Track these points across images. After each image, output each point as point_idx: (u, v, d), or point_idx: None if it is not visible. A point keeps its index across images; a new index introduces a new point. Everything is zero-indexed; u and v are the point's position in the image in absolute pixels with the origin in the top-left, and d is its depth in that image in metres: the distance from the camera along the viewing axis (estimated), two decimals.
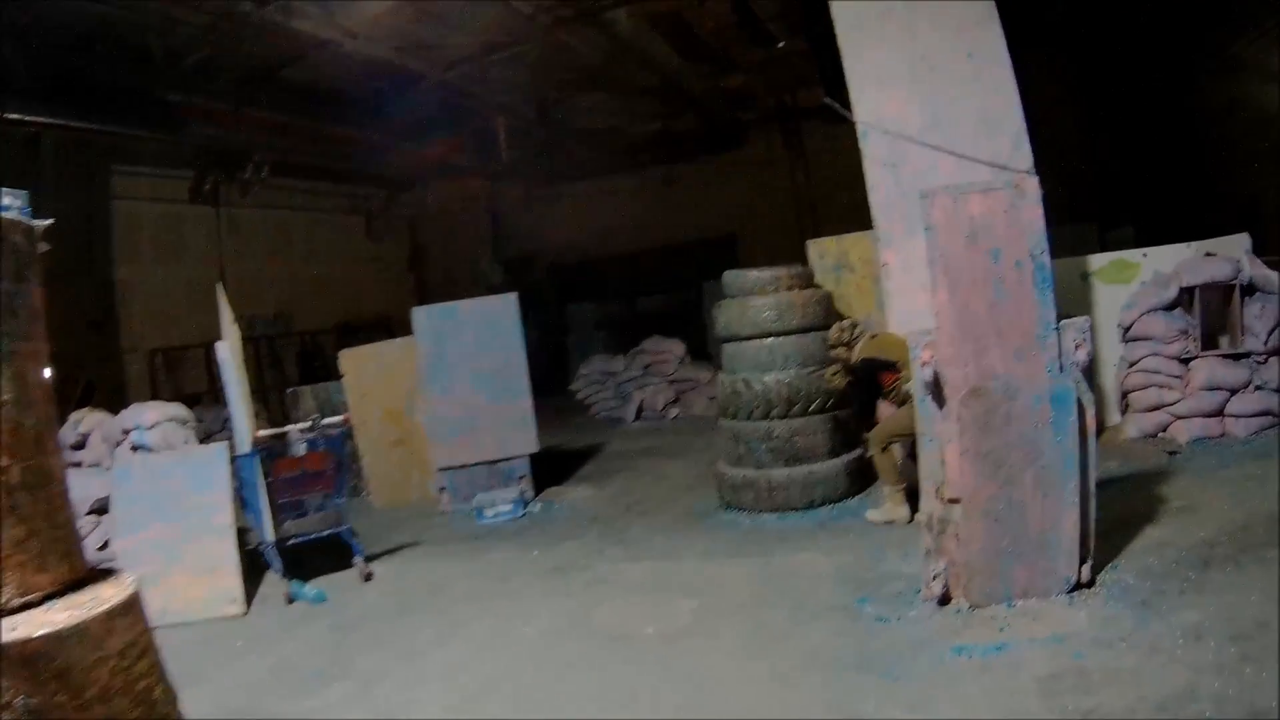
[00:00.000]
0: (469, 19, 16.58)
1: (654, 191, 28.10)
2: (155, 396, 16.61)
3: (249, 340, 18.59)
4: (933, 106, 9.75)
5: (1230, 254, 11.35)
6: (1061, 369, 6.62)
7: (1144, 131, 26.80)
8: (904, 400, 8.99)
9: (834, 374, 9.84)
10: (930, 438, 6.88)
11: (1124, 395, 11.53)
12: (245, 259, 22.43)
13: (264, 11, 14.17)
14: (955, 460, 6.68)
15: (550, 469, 13.53)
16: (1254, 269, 11.10)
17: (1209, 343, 11.19)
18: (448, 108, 21.42)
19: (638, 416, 19.09)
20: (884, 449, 9.33)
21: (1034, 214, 6.57)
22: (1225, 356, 10.93)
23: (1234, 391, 10.81)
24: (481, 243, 29.95)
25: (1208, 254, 11.52)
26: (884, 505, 9.38)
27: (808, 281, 10.95)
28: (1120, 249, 21.32)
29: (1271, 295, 11.02)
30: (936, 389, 6.75)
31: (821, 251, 12.17)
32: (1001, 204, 6.58)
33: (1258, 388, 10.80)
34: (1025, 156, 9.72)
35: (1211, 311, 11.25)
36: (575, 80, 21.66)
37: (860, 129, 9.81)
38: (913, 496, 8.69)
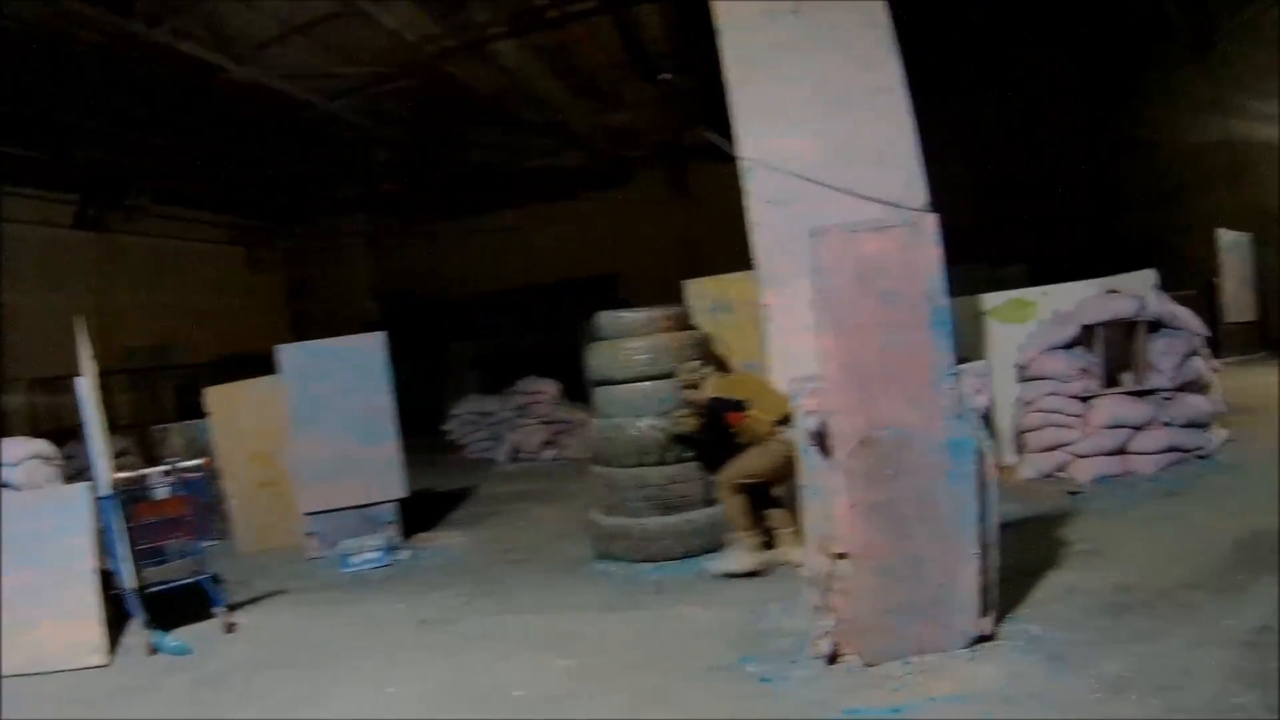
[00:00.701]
0: (358, 49, 16.44)
1: (537, 228, 28.10)
2: (36, 428, 15.96)
3: (128, 373, 18.08)
4: (824, 142, 9.46)
5: (1135, 290, 11.19)
6: (959, 416, 6.28)
7: (1040, 171, 27.03)
8: (753, 441, 8.77)
9: (683, 417, 9.50)
10: (815, 490, 6.50)
11: (1020, 435, 11.28)
12: (127, 287, 22.07)
13: (154, 33, 13.92)
14: (844, 513, 6.30)
15: (421, 513, 13.16)
16: (1159, 305, 11.00)
17: (1112, 380, 11.03)
18: (333, 139, 21.39)
19: (513, 458, 18.77)
20: (735, 493, 8.99)
21: (930, 254, 6.23)
22: (1129, 394, 10.77)
23: (1139, 429, 10.65)
24: (362, 277, 29.71)
25: (1110, 291, 11.31)
26: (730, 554, 9.06)
27: (684, 323, 10.54)
28: (1014, 287, 21.54)
29: (1178, 331, 10.89)
30: (822, 439, 6.39)
31: (700, 292, 11.67)
32: (895, 244, 6.25)
33: (1165, 424, 10.65)
34: (920, 194, 9.46)
35: (1115, 349, 11.10)
36: (462, 114, 21.50)
37: (745, 165, 9.48)
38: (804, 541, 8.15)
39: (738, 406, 8.94)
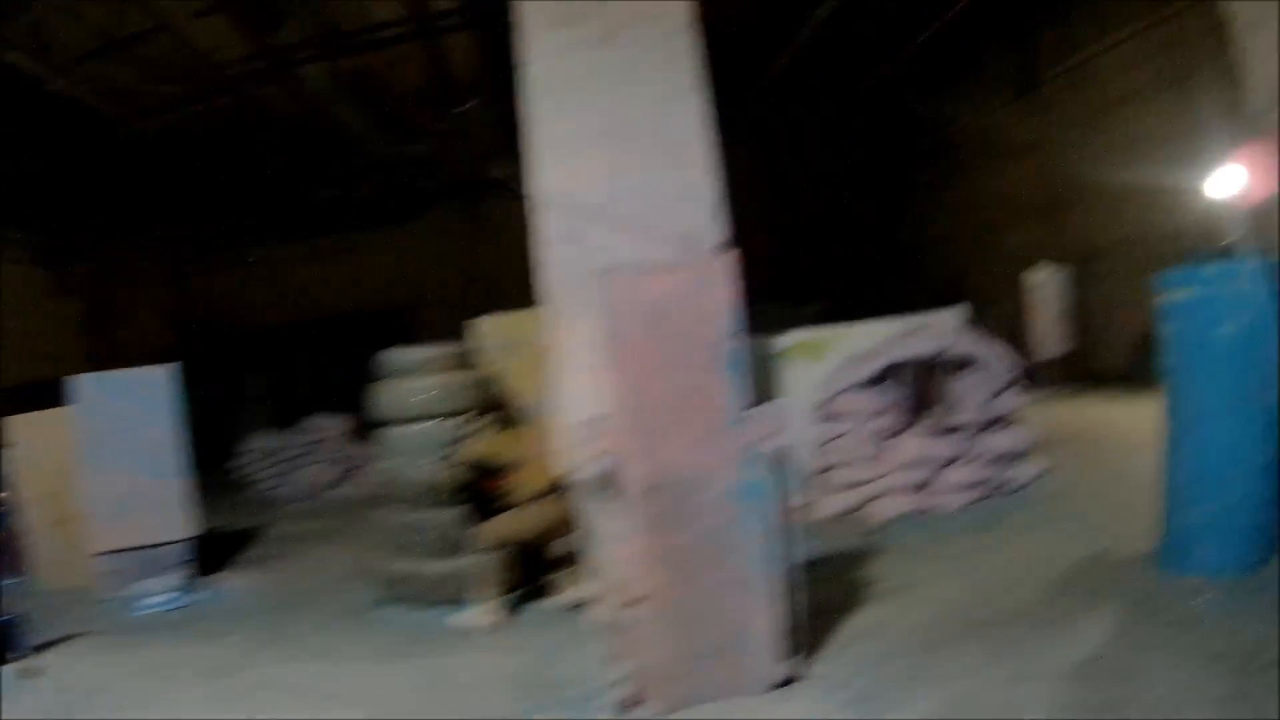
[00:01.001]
0: (169, 67, 16.08)
1: (334, 259, 27.82)
2: None
3: None
4: (622, 179, 9.20)
5: (943, 328, 11.25)
6: (753, 459, 6.18)
7: (847, 211, 27.49)
8: (518, 503, 8.66)
9: (450, 466, 9.29)
10: (605, 536, 6.38)
11: (821, 473, 11.23)
12: None
13: None
14: (635, 559, 6.16)
15: (213, 553, 12.68)
16: (966, 342, 11.08)
17: (917, 417, 11.06)
18: (142, 159, 20.93)
19: (302, 497, 18.34)
20: (492, 549, 8.84)
21: (721, 295, 6.14)
22: (934, 431, 10.81)
23: (943, 465, 10.69)
24: (165, 303, 28.81)
25: (914, 329, 11.36)
26: (473, 609, 8.82)
27: (468, 362, 10.30)
28: (815, 324, 21.75)
29: (986, 368, 10.95)
30: (610, 483, 6.23)
31: (488, 330, 11.37)
32: (685, 285, 6.16)
33: (971, 460, 10.72)
34: (719, 233, 9.34)
35: (920, 386, 11.14)
36: (268, 139, 21.17)
37: (539, 199, 9.30)
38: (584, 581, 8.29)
39: (497, 474, 8.83)
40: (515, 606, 8.90)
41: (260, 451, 19.67)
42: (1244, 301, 7.07)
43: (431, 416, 9.77)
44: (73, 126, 18.47)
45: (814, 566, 8.15)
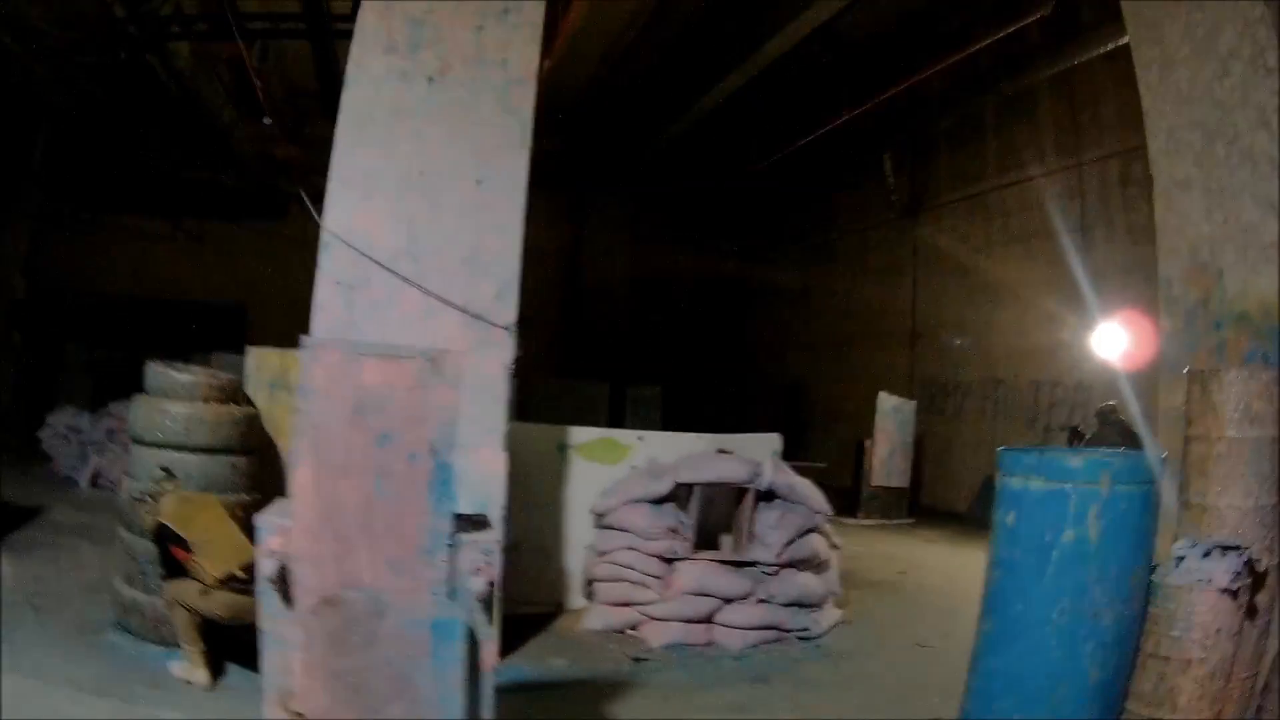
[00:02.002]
0: (72, 14, 15.28)
1: (185, 244, 26.92)
2: None
3: None
4: (415, 230, 8.44)
5: (752, 453, 10.43)
6: (452, 594, 5.23)
7: (701, 302, 27.17)
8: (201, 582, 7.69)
9: (146, 512, 8.30)
10: (275, 639, 5.37)
11: (590, 584, 10.40)
12: None
13: None
14: (303, 674, 5.24)
15: None
16: (777, 474, 10.22)
17: (709, 544, 10.27)
18: (26, 105, 20.25)
19: (93, 483, 16.97)
20: (179, 608, 7.88)
21: (447, 397, 5.15)
22: (724, 563, 9.95)
23: (729, 601, 9.81)
24: (16, 251, 27.08)
25: (721, 451, 10.55)
26: (185, 662, 7.92)
27: (232, 395, 9.33)
28: (641, 407, 21.04)
29: (795, 505, 10.12)
30: (284, 585, 5.26)
31: (260, 363, 10.34)
32: (407, 378, 5.16)
33: (761, 600, 9.85)
34: (509, 310, 8.51)
35: (716, 513, 10.36)
36: (147, 109, 20.38)
37: (324, 237, 8.38)
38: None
39: (183, 543, 7.81)
40: (223, 667, 8.00)
41: (64, 428, 18.26)
42: (1102, 506, 6.13)
43: (182, 448, 8.88)
44: None
45: (552, 689, 8.05)
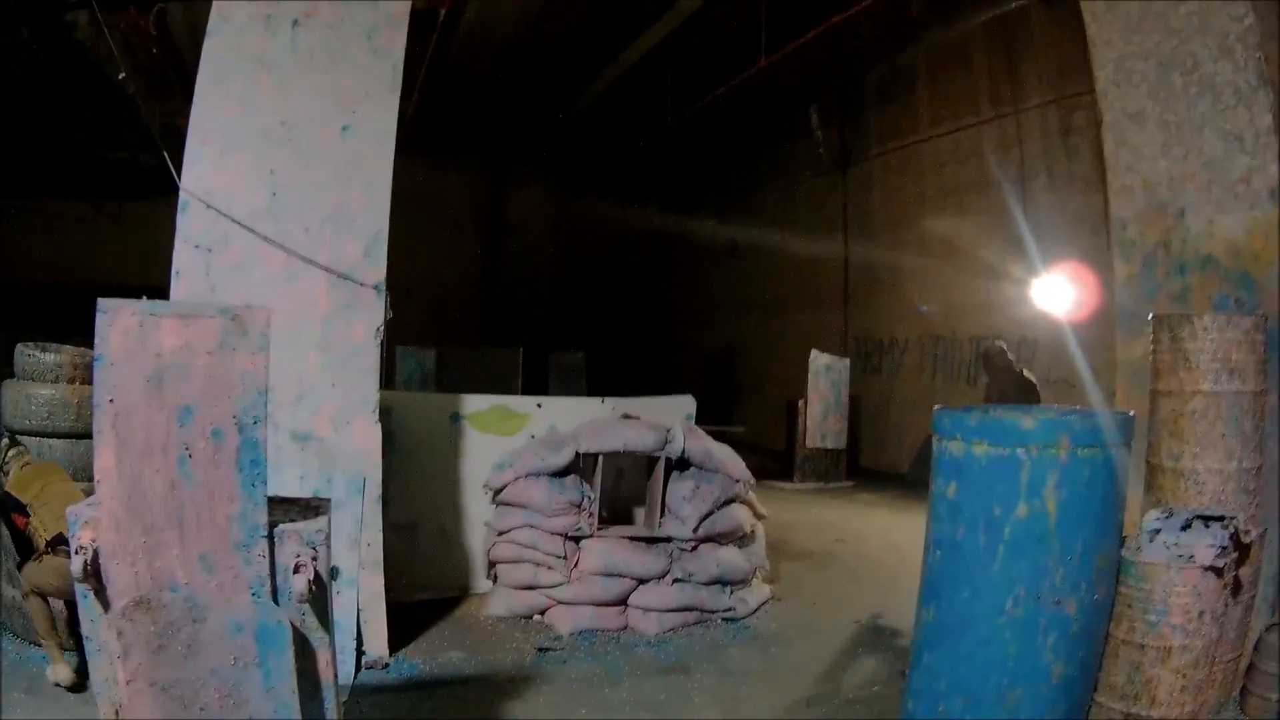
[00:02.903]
0: None
1: (106, 226, 26.07)
2: None
3: None
4: (277, 186, 7.84)
5: (664, 418, 9.70)
6: (273, 594, 4.48)
7: (621, 263, 26.72)
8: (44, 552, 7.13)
9: None
10: (98, 645, 4.60)
11: (492, 565, 9.66)
12: None
13: None
14: (126, 685, 4.48)
15: None
16: (690, 441, 9.46)
17: (621, 520, 9.68)
18: None
19: None
20: (34, 596, 7.33)
21: (252, 363, 4.39)
22: (634, 539, 9.21)
23: (643, 581, 9.06)
24: None
25: (626, 415, 9.81)
26: (52, 664, 7.32)
27: None
28: (566, 373, 20.37)
29: (711, 474, 9.38)
30: (98, 584, 4.48)
31: None
32: (207, 340, 4.38)
33: (678, 580, 9.10)
34: (377, 269, 7.96)
35: (628, 485, 9.77)
36: (52, 88, 19.66)
37: (182, 199, 7.70)
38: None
39: (23, 510, 7.30)
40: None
41: None
42: (1061, 475, 5.18)
43: (47, 434, 8.48)
44: None
45: (438, 686, 7.46)
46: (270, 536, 4.49)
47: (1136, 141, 7.68)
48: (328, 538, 4.67)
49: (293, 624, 4.53)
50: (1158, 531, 5.61)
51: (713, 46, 18.35)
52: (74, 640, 7.36)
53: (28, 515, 7.21)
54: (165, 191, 21.19)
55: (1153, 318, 6.55)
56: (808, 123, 21.95)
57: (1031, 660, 5.31)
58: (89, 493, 7.04)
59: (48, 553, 7.04)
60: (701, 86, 19.59)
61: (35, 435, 8.32)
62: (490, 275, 27.79)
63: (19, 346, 8.80)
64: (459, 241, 26.86)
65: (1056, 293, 14.07)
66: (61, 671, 7.17)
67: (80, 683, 7.10)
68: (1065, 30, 10.50)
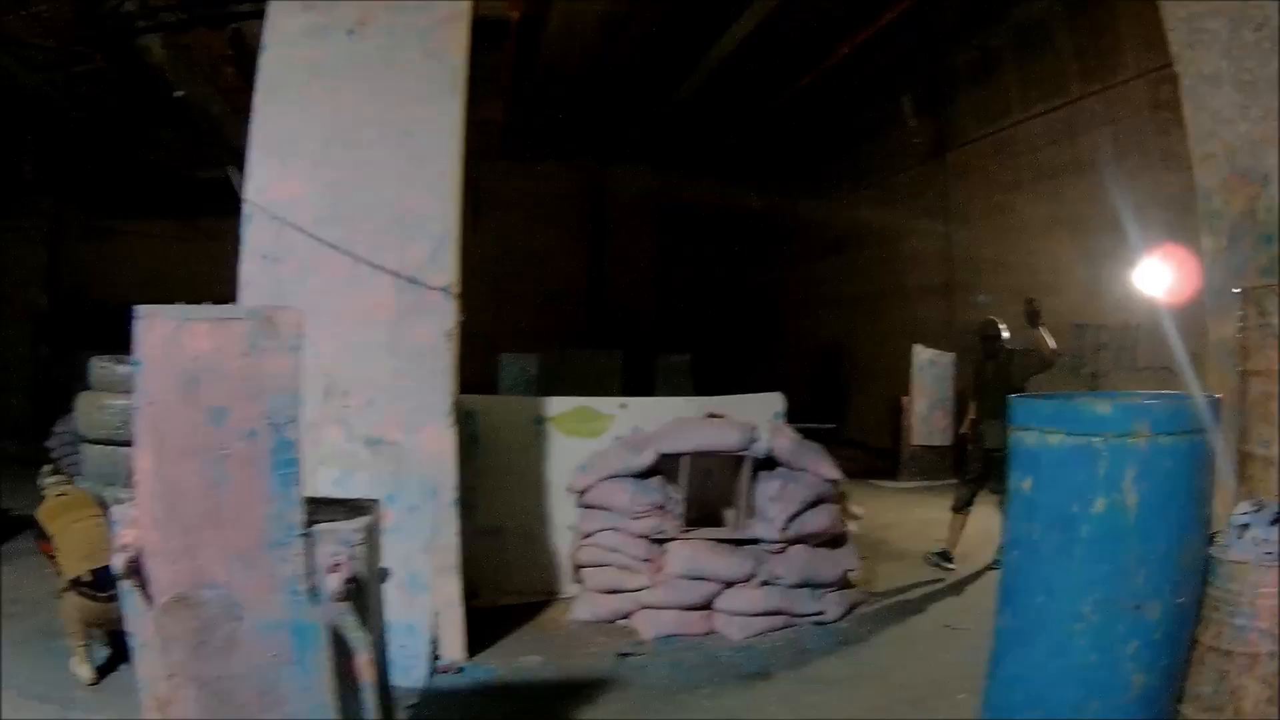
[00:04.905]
0: (59, 22, 15.00)
1: (206, 244, 25.87)
2: None
3: None
4: (339, 193, 7.92)
5: (751, 416, 9.52)
6: (310, 593, 4.46)
7: (725, 263, 26.50)
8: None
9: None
10: (142, 640, 4.67)
11: (577, 569, 9.57)
12: None
13: None
14: (167, 680, 4.56)
15: None
16: (776, 439, 9.30)
17: (709, 521, 9.38)
18: (29, 114, 19.94)
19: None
20: (65, 596, 7.48)
21: (283, 364, 4.40)
22: (720, 541, 9.04)
23: (730, 584, 8.88)
24: (36, 265, 26.97)
25: (712, 414, 9.66)
26: (73, 658, 7.45)
27: None
28: (672, 375, 20.14)
29: (799, 473, 9.20)
30: (141, 580, 4.55)
31: None
32: (237, 343, 4.41)
33: (766, 582, 8.91)
34: (444, 271, 7.92)
35: (714, 485, 9.45)
36: (150, 109, 19.90)
37: (246, 210, 7.76)
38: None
39: (48, 538, 7.64)
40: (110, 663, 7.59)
41: (70, 435, 17.94)
42: (1141, 466, 4.84)
43: (123, 443, 8.41)
44: None
45: (518, 693, 7.37)
46: (307, 536, 4.47)
47: (1214, 105, 7.32)
48: (369, 538, 4.65)
49: (330, 623, 4.53)
50: (1246, 526, 5.17)
51: (803, 34, 18.15)
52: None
53: (51, 543, 7.48)
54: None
55: (1240, 292, 6.20)
56: (901, 112, 21.61)
57: (1110, 670, 4.94)
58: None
59: (69, 590, 7.23)
60: (796, 74, 19.42)
61: (108, 444, 8.47)
62: (595, 277, 27.72)
63: (93, 360, 8.95)
64: (561, 245, 26.88)
65: (1154, 276, 13.65)
66: (83, 670, 7.34)
67: (98, 680, 7.32)
68: (1143, 1, 10.22)
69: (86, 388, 9.04)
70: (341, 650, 4.57)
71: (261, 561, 4.43)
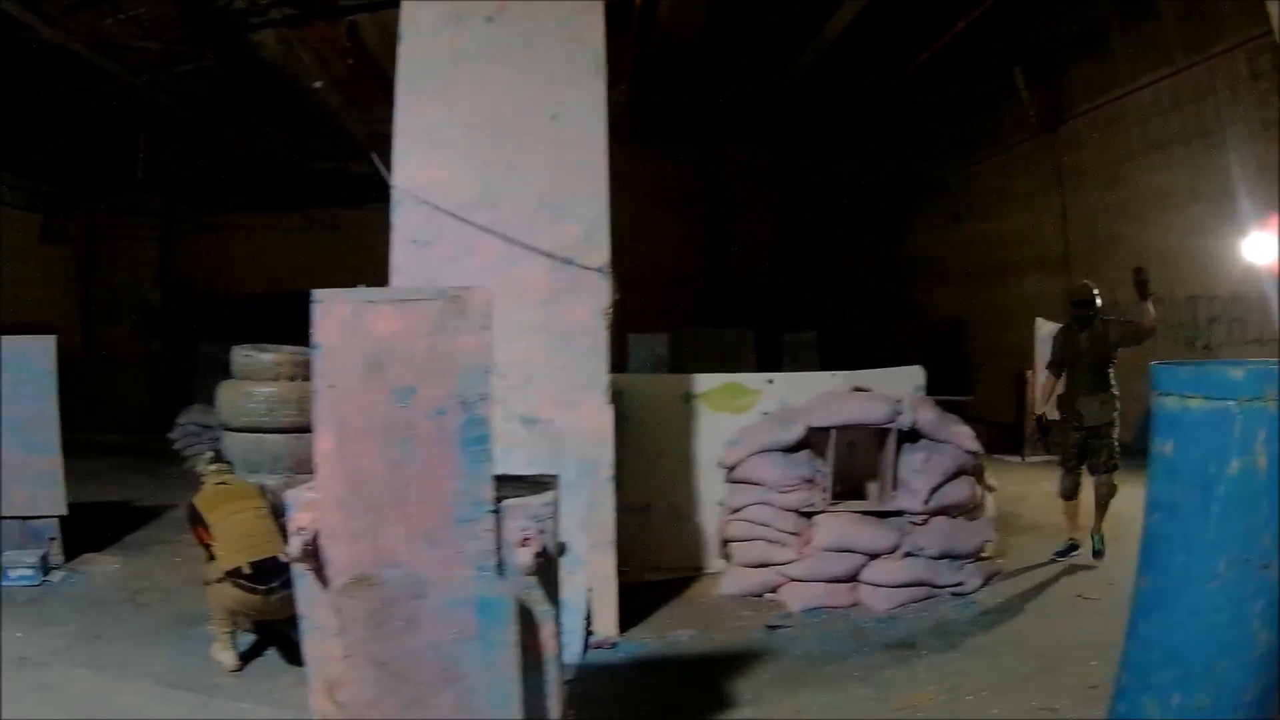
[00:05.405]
0: (162, 23, 15.31)
1: (320, 234, 26.86)
2: None
3: None
4: (489, 176, 8.01)
5: (893, 390, 9.57)
6: (497, 568, 4.52)
7: (844, 240, 26.29)
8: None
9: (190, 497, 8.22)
10: (314, 623, 4.78)
11: (725, 544, 9.66)
12: None
13: None
14: (343, 661, 4.64)
15: (102, 528, 11.66)
16: (919, 412, 9.32)
17: (853, 494, 9.39)
18: (136, 114, 20.39)
19: None
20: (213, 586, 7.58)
21: (472, 342, 4.47)
22: (866, 513, 9.09)
23: (874, 556, 8.94)
24: (150, 261, 27.96)
25: (856, 388, 9.69)
26: (216, 645, 7.60)
27: None
28: (799, 353, 20.07)
29: (941, 445, 9.20)
30: (317, 563, 4.65)
31: None
32: (424, 323, 4.48)
33: (909, 554, 8.95)
34: (599, 251, 7.99)
35: (859, 458, 9.49)
36: (260, 104, 20.27)
37: (395, 197, 7.90)
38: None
39: (206, 526, 7.66)
40: (253, 650, 7.87)
41: (194, 426, 18.42)
42: (1271, 428, 4.74)
43: (268, 429, 8.58)
44: (70, 75, 17.74)
45: (674, 666, 7.50)
46: (496, 511, 4.55)
47: None
48: (554, 513, 4.75)
49: (516, 598, 4.60)
50: None
51: (919, 7, 18.01)
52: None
53: (208, 532, 7.56)
54: (376, 198, 21.79)
55: None
56: (1014, 85, 21.41)
57: (1238, 628, 4.86)
58: (277, 513, 7.34)
59: (223, 581, 7.34)
60: (911, 49, 19.32)
61: (252, 431, 8.60)
62: (715, 256, 27.68)
63: (235, 349, 9.13)
64: (681, 224, 26.86)
65: (1264, 246, 13.44)
66: (226, 657, 7.50)
67: (241, 667, 7.52)
68: None
69: (227, 377, 9.20)
70: (525, 624, 4.63)
71: (448, 538, 4.52)
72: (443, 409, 4.47)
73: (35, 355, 10.86)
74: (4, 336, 10.88)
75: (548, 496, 4.78)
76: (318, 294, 4.58)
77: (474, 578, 4.52)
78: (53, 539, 10.61)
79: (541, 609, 4.70)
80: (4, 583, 9.83)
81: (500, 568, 4.54)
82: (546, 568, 4.68)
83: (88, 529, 11.09)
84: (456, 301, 4.48)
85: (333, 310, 4.55)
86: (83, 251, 27.60)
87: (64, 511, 10.71)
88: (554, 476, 5.22)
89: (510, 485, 4.91)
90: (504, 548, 4.56)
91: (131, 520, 12.70)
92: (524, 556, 4.54)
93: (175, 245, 27.98)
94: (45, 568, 10.24)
